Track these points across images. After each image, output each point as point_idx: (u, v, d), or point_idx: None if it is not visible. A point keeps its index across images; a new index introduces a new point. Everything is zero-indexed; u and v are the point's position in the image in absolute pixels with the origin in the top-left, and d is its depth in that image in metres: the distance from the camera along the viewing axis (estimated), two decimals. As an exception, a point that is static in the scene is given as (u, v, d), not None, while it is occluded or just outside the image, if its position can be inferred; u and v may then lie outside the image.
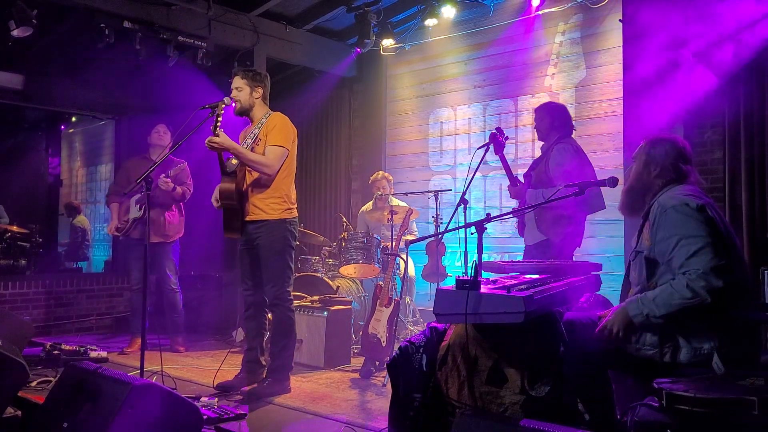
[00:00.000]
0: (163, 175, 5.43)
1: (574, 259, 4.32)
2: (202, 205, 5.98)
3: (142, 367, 3.78)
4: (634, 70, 5.12)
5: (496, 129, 4.34)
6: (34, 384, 4.24)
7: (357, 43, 6.68)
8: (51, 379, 4.28)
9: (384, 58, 7.39)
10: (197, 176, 5.87)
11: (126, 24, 5.48)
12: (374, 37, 6.60)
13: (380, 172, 6.52)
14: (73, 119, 10.38)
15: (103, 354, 5.16)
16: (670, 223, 2.57)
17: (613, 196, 5.07)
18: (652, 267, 2.66)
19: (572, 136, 4.47)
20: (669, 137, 2.88)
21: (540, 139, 4.55)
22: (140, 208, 5.54)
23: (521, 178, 4.56)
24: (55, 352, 4.90)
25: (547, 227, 4.24)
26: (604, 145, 5.79)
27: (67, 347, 5.02)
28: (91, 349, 5.13)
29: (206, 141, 3.94)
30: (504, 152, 4.41)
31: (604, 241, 5.61)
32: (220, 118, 3.96)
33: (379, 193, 6.27)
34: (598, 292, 3.50)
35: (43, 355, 4.92)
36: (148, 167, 5.64)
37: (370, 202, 6.49)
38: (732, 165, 4.77)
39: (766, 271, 3.89)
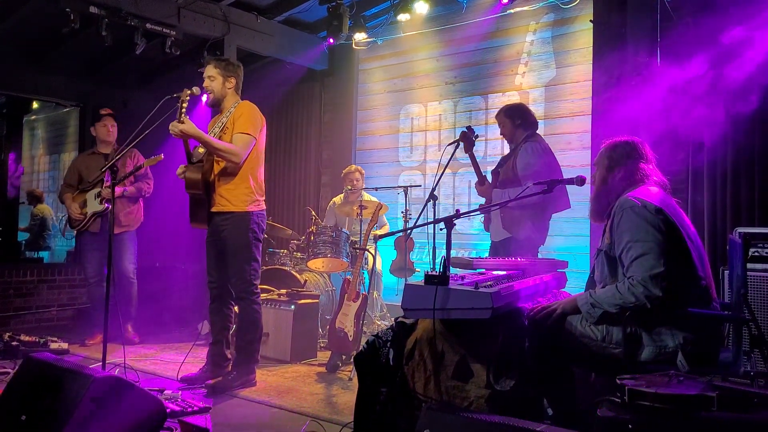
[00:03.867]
0: (107, 185, 5.34)
1: (539, 257, 4.37)
2: (167, 196, 5.92)
3: (104, 359, 3.72)
4: (604, 70, 5.20)
5: (467, 128, 4.37)
6: (-9, 376, 4.15)
7: (330, 33, 6.62)
8: (9, 371, 4.20)
9: (356, 52, 7.36)
10: (162, 167, 5.78)
11: (92, 9, 5.33)
12: (347, 31, 6.57)
13: (353, 166, 6.49)
14: (35, 105, 10.13)
15: (64, 345, 5.07)
16: (625, 224, 2.62)
17: (581, 195, 5.15)
18: (614, 265, 2.72)
19: (539, 132, 4.53)
20: (627, 139, 2.92)
21: (509, 142, 4.59)
22: (101, 202, 5.43)
23: (489, 176, 4.60)
24: (14, 343, 4.81)
25: (511, 225, 4.28)
26: (572, 144, 5.86)
27: (27, 338, 4.93)
28: (52, 341, 5.04)
29: (170, 126, 3.87)
30: (473, 151, 4.45)
31: (570, 239, 5.69)
32: (185, 105, 3.89)
33: (349, 187, 6.25)
34: (564, 289, 3.55)
35: (1, 347, 4.82)
36: (99, 162, 5.58)
37: (341, 195, 6.47)
38: (695, 166, 4.87)
39: (725, 271, 3.99)
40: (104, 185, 5.39)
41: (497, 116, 4.57)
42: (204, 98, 4.25)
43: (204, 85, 4.14)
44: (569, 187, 3.67)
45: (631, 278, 2.53)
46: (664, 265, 2.49)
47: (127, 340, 5.45)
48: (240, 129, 4.07)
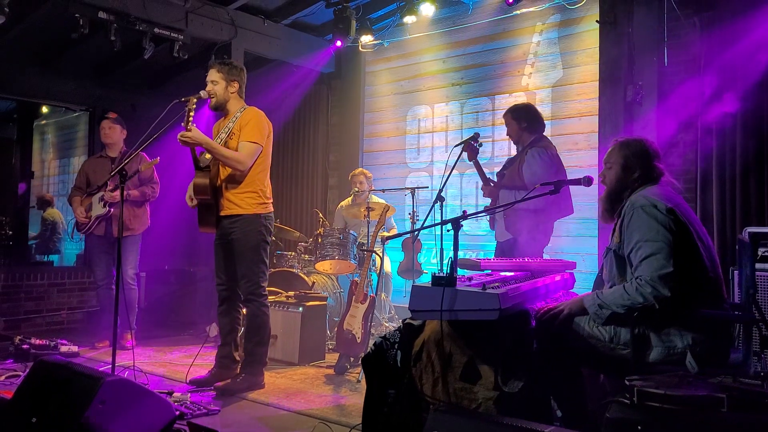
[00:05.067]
0: (109, 189, 5.35)
1: (546, 257, 4.36)
2: (175, 199, 5.93)
3: (113, 362, 3.74)
4: (610, 70, 5.18)
5: (471, 137, 4.37)
6: (2, 378, 4.18)
7: (336, 36, 6.63)
8: (20, 373, 4.22)
9: (362, 54, 7.38)
10: (170, 171, 5.80)
11: (101, 15, 5.38)
12: (354, 33, 6.59)
13: (358, 169, 6.51)
14: (45, 110, 10.19)
15: (74, 348, 5.08)
16: (635, 223, 2.60)
17: (590, 196, 5.14)
18: (623, 264, 2.70)
19: (546, 134, 4.52)
20: (639, 138, 2.90)
21: (515, 143, 4.58)
22: (104, 206, 5.45)
23: (495, 177, 4.60)
24: (25, 346, 4.83)
25: (514, 226, 4.28)
26: (579, 144, 5.85)
27: (37, 341, 4.95)
28: (62, 344, 5.05)
29: (178, 136, 3.90)
30: (478, 157, 4.46)
31: (578, 239, 5.67)
32: (192, 113, 3.90)
33: (356, 189, 6.25)
34: (572, 290, 3.54)
35: (12, 350, 4.85)
36: (106, 165, 5.60)
37: (350, 198, 6.48)
38: (704, 166, 4.84)
39: (735, 271, 3.96)
40: (106, 189, 5.41)
41: (504, 116, 4.57)
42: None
43: (207, 89, 4.16)
44: (577, 188, 3.65)
45: (639, 278, 2.51)
46: (673, 265, 2.47)
47: (123, 348, 5.26)
48: (246, 137, 4.09)
